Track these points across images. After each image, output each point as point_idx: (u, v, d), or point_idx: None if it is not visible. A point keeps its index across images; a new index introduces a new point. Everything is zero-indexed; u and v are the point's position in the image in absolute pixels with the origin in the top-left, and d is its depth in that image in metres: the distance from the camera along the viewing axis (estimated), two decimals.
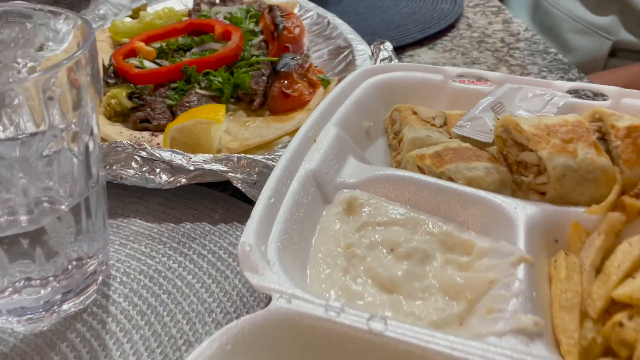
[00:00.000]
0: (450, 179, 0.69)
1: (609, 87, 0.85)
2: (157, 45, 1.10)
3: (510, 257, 0.57)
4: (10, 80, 0.63)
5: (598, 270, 0.57)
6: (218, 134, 0.82)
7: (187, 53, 1.07)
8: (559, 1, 1.85)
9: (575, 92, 1.04)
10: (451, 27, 1.37)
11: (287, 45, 1.06)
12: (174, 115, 0.92)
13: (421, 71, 0.91)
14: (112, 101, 0.93)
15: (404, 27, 1.33)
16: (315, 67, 1.07)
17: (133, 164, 0.76)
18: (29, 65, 0.65)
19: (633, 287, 0.51)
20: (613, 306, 0.54)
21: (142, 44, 1.06)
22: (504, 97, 0.82)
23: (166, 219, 0.76)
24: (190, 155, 0.76)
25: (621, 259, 0.55)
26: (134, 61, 1.02)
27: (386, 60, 1.02)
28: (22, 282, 0.58)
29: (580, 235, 0.62)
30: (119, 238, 0.72)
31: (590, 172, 0.65)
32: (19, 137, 0.53)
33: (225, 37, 1.10)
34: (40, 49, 0.66)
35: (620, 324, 0.51)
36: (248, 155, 0.76)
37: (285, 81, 0.95)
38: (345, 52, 1.10)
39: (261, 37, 1.13)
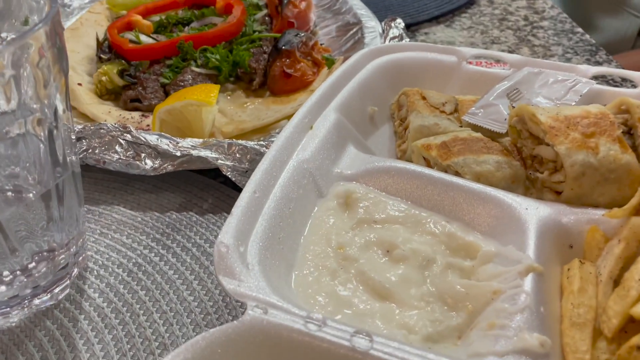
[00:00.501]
0: (457, 173, 0.63)
1: (639, 73, 0.77)
2: (156, 18, 1.04)
3: (518, 266, 0.52)
4: None
5: (616, 282, 0.51)
6: (210, 117, 0.76)
7: (186, 28, 1.01)
8: None
9: (601, 78, 0.96)
10: (471, 2, 1.29)
11: (291, 20, 1.00)
12: (167, 94, 0.87)
13: (433, 52, 0.84)
14: (103, 78, 0.88)
15: (420, 1, 1.25)
16: (321, 45, 1.00)
17: (117, 147, 0.71)
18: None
19: None
20: (631, 324, 0.48)
21: (139, 17, 1.00)
22: (522, 83, 0.75)
23: (151, 207, 0.71)
24: (178, 139, 0.71)
25: None
26: (129, 35, 0.97)
27: (396, 39, 0.95)
28: None
29: (598, 242, 0.56)
30: (100, 227, 0.68)
31: (613, 170, 0.58)
32: None
33: (227, 10, 1.03)
34: (26, 22, 0.62)
35: (639, 348, 0.45)
36: (240, 142, 0.71)
37: (287, 60, 0.89)
38: (354, 29, 1.03)
39: (265, 11, 1.06)
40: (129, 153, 0.70)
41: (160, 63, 0.93)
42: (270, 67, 0.89)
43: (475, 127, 0.71)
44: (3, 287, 0.56)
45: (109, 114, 0.83)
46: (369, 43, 0.97)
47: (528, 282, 0.50)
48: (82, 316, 0.58)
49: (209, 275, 0.62)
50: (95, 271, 0.63)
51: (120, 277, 0.62)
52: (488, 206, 0.59)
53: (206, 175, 0.76)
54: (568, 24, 1.21)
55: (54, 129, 0.52)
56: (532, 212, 0.57)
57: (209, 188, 0.74)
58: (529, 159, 0.64)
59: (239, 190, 0.72)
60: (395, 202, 0.62)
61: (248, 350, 0.44)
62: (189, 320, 0.58)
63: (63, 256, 0.59)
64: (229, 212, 0.70)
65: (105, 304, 0.59)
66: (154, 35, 0.98)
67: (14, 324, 0.57)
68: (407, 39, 0.96)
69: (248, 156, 0.69)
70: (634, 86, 0.77)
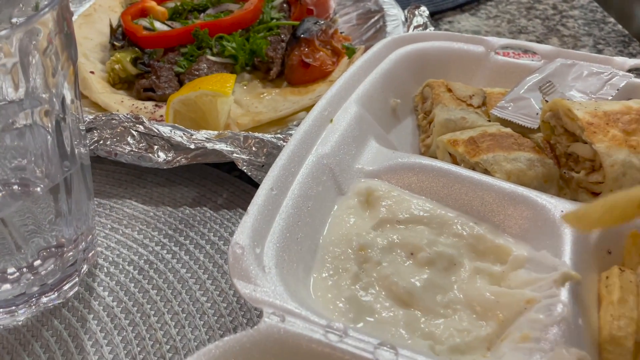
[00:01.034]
0: (486, 171, 0.59)
1: None
2: (171, 4, 1.01)
3: (553, 273, 0.48)
4: None
5: None
6: (225, 108, 0.73)
7: (202, 14, 0.98)
8: None
9: (638, 71, 0.91)
10: None
11: (310, 7, 0.96)
12: (181, 84, 0.84)
13: (459, 41, 0.80)
14: (116, 66, 0.85)
15: None
16: (341, 33, 0.96)
17: (129, 139, 0.68)
18: None
19: None
20: None
21: (153, 3, 0.97)
22: (555, 75, 0.71)
23: (164, 202, 0.68)
24: (193, 131, 0.68)
25: None
26: (143, 22, 0.94)
27: (420, 28, 0.91)
28: None
29: (639, 247, 0.52)
30: (110, 222, 0.66)
31: None
32: None
33: None
34: (36, 8, 0.60)
35: None
36: (256, 134, 0.68)
37: (306, 49, 0.86)
38: (376, 17, 0.99)
39: None
40: (141, 145, 0.68)
41: (174, 51, 0.90)
42: (288, 56, 0.86)
43: (505, 122, 0.67)
44: (9, 285, 0.53)
45: (121, 103, 0.80)
46: (391, 32, 0.93)
47: (564, 292, 0.46)
48: (91, 316, 0.55)
49: (223, 274, 0.60)
50: (105, 268, 0.60)
51: (130, 275, 0.59)
52: (520, 207, 0.55)
53: (221, 169, 0.73)
54: (599, 13, 1.16)
55: (61, 120, 0.49)
56: None
57: (223, 182, 0.71)
58: (563, 157, 0.60)
59: (254, 184, 0.70)
60: (419, 201, 0.59)
61: None
62: (202, 322, 0.55)
63: (72, 252, 0.56)
64: (243, 208, 0.68)
65: (115, 303, 0.57)
66: (169, 22, 0.95)
67: (20, 323, 0.55)
68: (432, 28, 0.92)
69: (265, 150, 0.66)
70: None
